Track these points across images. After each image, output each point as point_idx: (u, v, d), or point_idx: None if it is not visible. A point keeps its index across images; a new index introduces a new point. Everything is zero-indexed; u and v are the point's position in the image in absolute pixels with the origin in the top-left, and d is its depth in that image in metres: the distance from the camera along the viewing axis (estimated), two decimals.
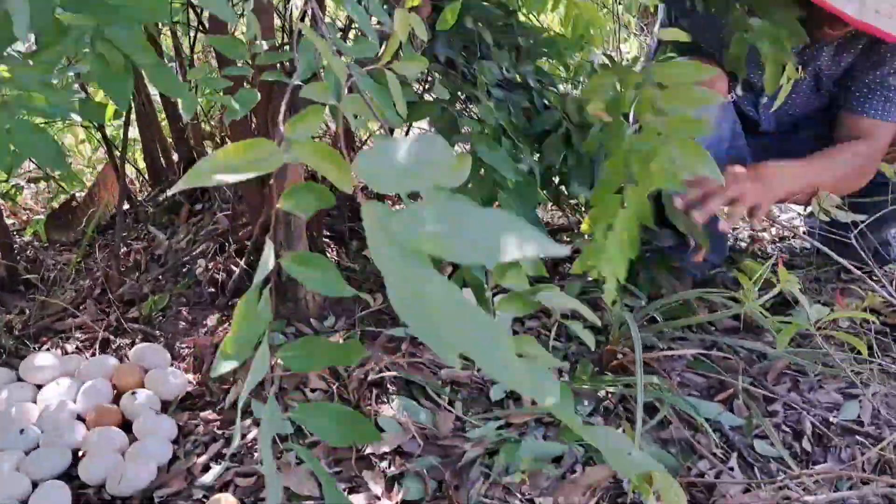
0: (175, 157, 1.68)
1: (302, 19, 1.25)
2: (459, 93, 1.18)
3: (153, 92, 1.60)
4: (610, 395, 1.09)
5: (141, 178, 1.85)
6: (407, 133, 1.71)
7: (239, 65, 0.88)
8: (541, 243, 0.29)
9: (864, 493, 0.86)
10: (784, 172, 1.23)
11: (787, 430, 1.04)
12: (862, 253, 1.45)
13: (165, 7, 0.68)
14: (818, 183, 1.27)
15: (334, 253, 1.47)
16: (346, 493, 0.89)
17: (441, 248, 0.29)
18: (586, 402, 1.07)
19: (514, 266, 0.55)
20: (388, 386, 1.09)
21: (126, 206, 1.62)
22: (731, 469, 0.94)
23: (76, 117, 0.76)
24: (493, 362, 0.30)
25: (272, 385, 0.80)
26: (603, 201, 1.00)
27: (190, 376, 1.13)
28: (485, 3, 1.25)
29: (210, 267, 1.25)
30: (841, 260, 1.54)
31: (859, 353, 1.04)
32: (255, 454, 0.97)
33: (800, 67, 1.28)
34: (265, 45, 0.78)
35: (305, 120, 0.40)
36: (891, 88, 1.26)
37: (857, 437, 1.03)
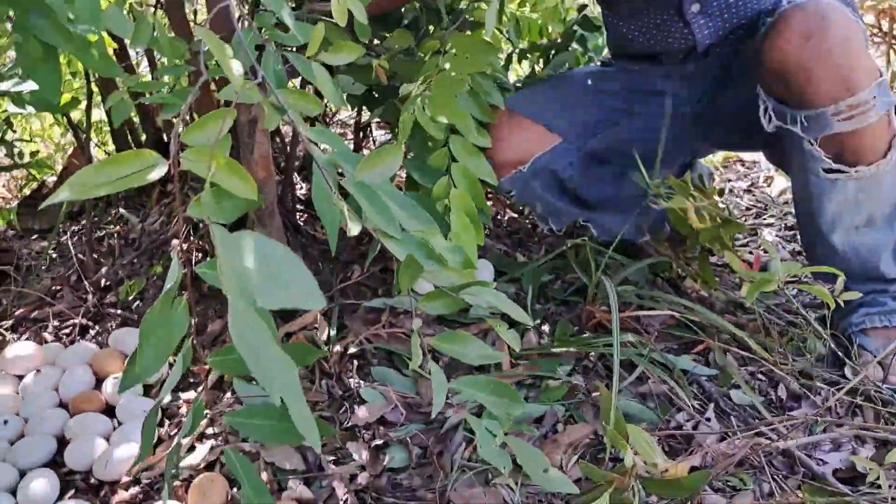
0: (143, 137, 1.65)
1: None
2: None
3: None
4: (590, 354, 1.10)
5: None
6: (366, 128, 1.69)
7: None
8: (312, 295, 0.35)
9: (835, 435, 0.88)
10: None
11: (763, 378, 1.06)
12: None
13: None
14: None
15: (311, 227, 1.46)
16: (331, 465, 0.90)
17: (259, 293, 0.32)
18: (565, 363, 1.08)
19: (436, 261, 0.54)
20: (370, 357, 1.10)
21: None
22: (709, 420, 0.96)
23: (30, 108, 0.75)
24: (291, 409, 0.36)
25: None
26: (433, 181, 1.10)
27: (171, 358, 1.13)
28: None
29: (184, 248, 1.24)
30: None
31: None
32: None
33: None
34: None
35: (203, 126, 0.39)
36: None
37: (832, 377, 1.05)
